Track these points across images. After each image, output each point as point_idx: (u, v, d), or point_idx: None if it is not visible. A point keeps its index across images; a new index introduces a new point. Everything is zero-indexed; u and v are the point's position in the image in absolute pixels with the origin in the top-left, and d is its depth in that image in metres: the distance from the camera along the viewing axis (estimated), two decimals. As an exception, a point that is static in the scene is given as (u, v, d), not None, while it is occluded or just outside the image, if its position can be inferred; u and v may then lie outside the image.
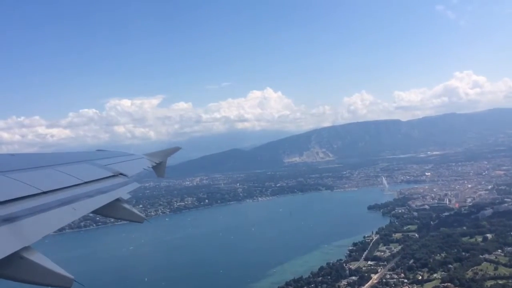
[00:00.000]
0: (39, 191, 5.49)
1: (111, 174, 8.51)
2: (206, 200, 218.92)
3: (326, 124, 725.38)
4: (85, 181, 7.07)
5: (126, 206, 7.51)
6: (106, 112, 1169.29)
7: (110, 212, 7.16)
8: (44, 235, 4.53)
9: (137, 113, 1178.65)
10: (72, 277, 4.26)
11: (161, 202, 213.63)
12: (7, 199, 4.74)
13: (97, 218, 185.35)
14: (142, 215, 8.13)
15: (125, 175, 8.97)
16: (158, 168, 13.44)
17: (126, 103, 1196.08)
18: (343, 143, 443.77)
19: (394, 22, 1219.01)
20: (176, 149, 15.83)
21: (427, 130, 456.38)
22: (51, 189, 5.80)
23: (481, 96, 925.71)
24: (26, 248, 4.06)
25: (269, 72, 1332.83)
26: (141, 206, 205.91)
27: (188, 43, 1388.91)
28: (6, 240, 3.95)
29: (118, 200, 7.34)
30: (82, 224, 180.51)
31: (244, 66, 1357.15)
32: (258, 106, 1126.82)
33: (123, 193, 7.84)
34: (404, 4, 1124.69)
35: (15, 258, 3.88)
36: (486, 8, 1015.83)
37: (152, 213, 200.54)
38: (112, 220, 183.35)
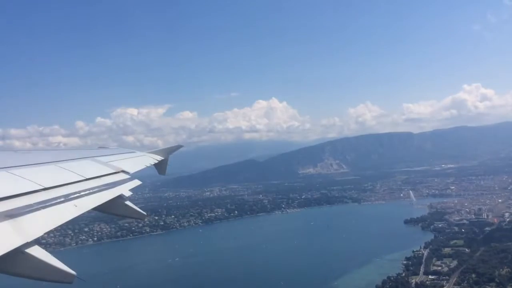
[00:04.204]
0: (41, 187, 5.55)
1: (113, 171, 8.60)
2: (236, 212, 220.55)
3: (332, 135, 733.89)
4: (87, 177, 7.14)
5: (128, 203, 7.62)
6: (113, 121, 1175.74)
7: (112, 208, 7.26)
8: (45, 231, 4.64)
9: (144, 122, 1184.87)
10: (73, 273, 4.34)
11: (192, 213, 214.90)
12: (9, 195, 4.81)
13: (133, 228, 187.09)
14: (144, 212, 8.34)
15: (127, 172, 9.08)
16: (160, 165, 13.69)
17: (132, 111, 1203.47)
18: (356, 155, 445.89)
19: (400, 35, 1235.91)
20: (177, 147, 16.27)
21: (439, 143, 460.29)
22: (53, 186, 5.87)
23: (490, 110, 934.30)
24: (28, 244, 4.11)
25: (274, 82, 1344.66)
26: (173, 216, 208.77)
27: (195, 53, 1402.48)
28: (8, 236, 4.03)
29: (120, 197, 7.45)
30: (119, 234, 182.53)
31: (249, 76, 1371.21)
32: (264, 116, 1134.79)
33: (125, 190, 7.93)
34: (410, 17, 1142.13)
35: (17, 253, 3.94)
36: (493, 22, 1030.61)
37: (185, 223, 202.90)
38: (148, 230, 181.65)
